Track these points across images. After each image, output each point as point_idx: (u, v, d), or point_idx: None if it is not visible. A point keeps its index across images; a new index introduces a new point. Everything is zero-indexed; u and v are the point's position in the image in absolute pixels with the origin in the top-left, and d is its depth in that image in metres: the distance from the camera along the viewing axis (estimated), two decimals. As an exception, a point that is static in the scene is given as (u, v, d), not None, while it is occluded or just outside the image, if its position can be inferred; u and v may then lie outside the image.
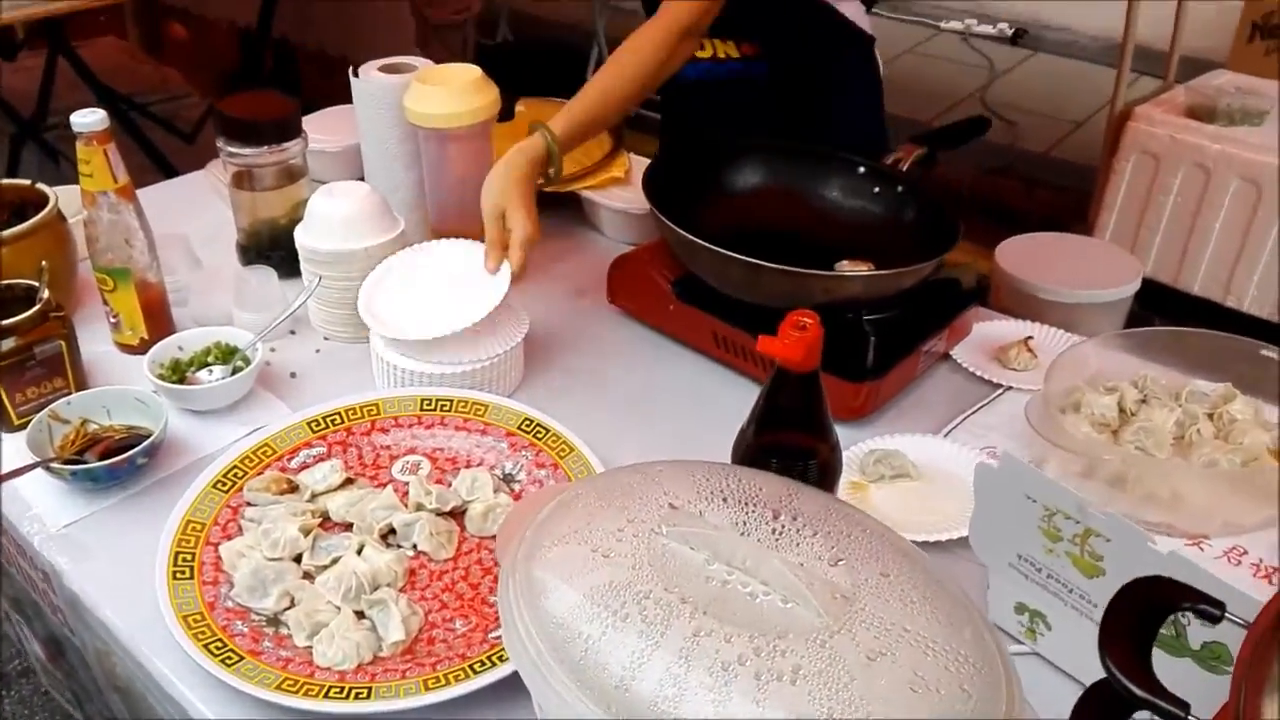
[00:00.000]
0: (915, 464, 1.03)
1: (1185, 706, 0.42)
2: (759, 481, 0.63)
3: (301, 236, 1.17)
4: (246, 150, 1.25)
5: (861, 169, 1.25)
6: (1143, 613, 0.46)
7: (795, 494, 0.63)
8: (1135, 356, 1.16)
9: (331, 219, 1.15)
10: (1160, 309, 2.92)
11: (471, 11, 2.76)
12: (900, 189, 1.23)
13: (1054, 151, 3.92)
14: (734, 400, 0.94)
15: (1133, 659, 0.44)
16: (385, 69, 1.28)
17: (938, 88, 4.52)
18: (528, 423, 1.01)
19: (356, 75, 1.26)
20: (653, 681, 0.52)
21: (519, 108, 1.54)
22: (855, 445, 1.06)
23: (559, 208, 1.47)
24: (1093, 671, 0.72)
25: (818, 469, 0.80)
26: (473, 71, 1.19)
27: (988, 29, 4.97)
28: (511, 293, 1.19)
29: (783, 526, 0.60)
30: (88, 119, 1.05)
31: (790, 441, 0.79)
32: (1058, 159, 3.83)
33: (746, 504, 0.61)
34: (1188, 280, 2.82)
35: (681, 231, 1.06)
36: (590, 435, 1.02)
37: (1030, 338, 1.22)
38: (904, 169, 1.24)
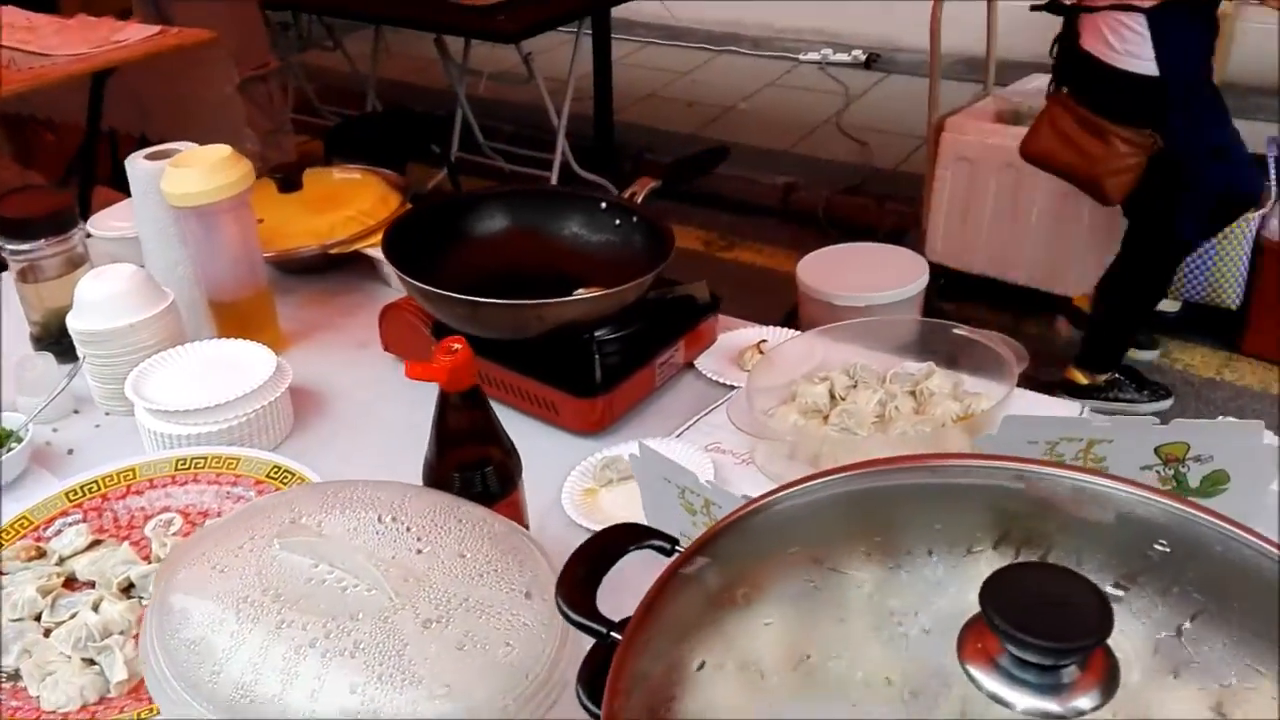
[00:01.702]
0: (641, 466, 1.13)
1: (611, 625, 0.51)
2: (378, 492, 0.72)
3: (71, 320, 1.24)
4: (25, 245, 1.32)
5: (603, 204, 1.36)
6: (597, 556, 0.56)
7: (406, 499, 0.72)
8: (854, 345, 1.27)
9: (97, 300, 1.23)
10: (997, 302, 3.10)
11: (270, 66, 2.85)
12: (635, 219, 1.33)
13: (902, 166, 4.13)
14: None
15: (578, 593, 0.53)
16: (154, 155, 1.37)
17: (798, 117, 4.73)
18: (276, 469, 1.09)
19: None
20: (238, 667, 0.60)
21: (307, 177, 1.62)
22: (593, 455, 1.15)
23: (348, 268, 1.56)
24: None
25: (495, 474, 0.89)
26: (222, 150, 1.28)
27: (843, 57, 5.22)
28: (288, 350, 1.27)
29: (385, 528, 0.69)
30: None
31: (466, 455, 0.88)
32: (906, 173, 4.03)
33: (361, 511, 0.70)
34: (1016, 273, 3.00)
35: (409, 279, 1.16)
36: (346, 474, 1.09)
37: (764, 341, 1.33)
38: (639, 201, 1.35)
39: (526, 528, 0.95)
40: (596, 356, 1.17)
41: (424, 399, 1.32)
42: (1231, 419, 0.90)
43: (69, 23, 2.74)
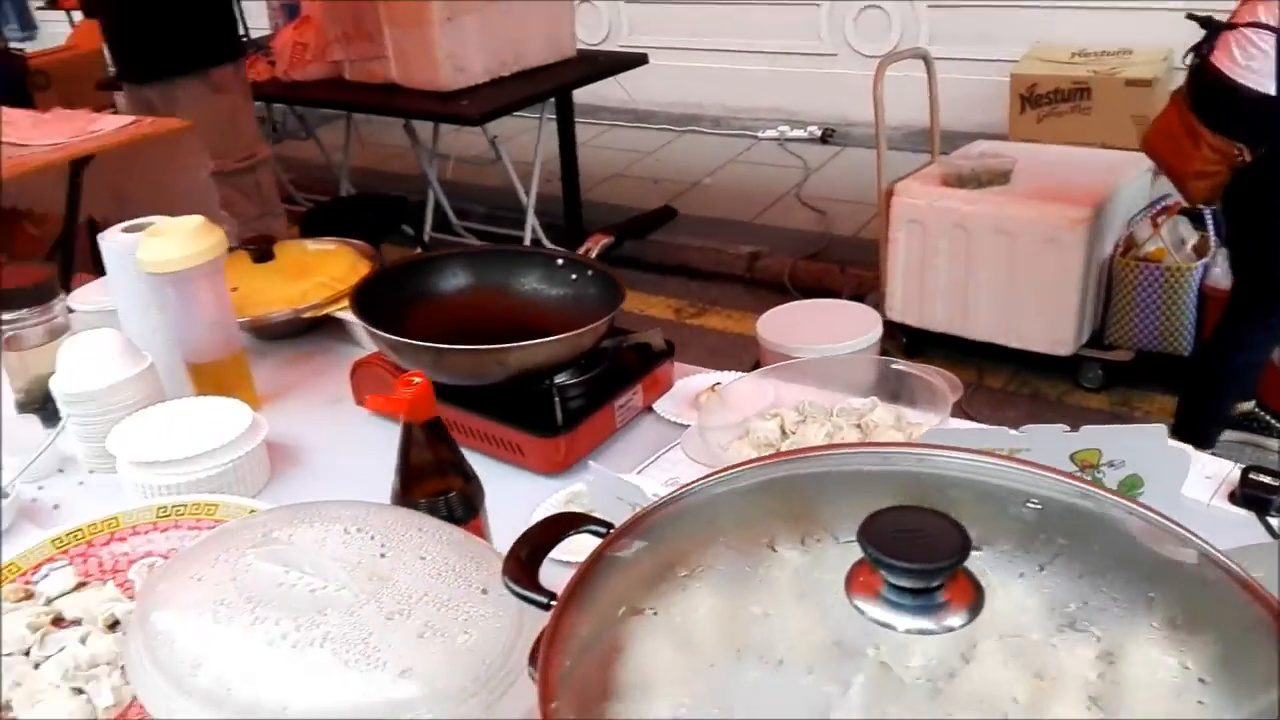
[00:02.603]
0: (601, 500, 1.19)
1: (553, 595, 0.57)
2: (344, 509, 0.79)
3: (54, 383, 1.30)
4: (9, 315, 1.39)
5: (559, 261, 1.45)
6: (538, 538, 0.62)
7: (370, 513, 0.78)
8: (802, 385, 1.35)
9: (77, 363, 1.29)
10: (965, 356, 3.20)
11: (257, 157, 2.99)
12: (590, 273, 1.42)
13: (861, 233, 4.28)
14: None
15: (522, 570, 0.59)
16: (129, 229, 1.44)
17: (760, 190, 4.90)
18: (255, 513, 1.14)
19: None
20: (216, 662, 0.65)
21: (278, 248, 1.70)
22: (557, 493, 1.22)
23: (320, 331, 1.64)
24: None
25: (459, 501, 0.95)
26: (194, 220, 1.36)
27: (799, 133, 5.43)
28: (264, 408, 1.34)
29: (351, 537, 0.75)
30: None
31: (430, 485, 0.94)
32: (864, 239, 4.17)
33: (327, 524, 0.76)
34: (973, 328, 3.10)
35: (377, 331, 1.23)
36: (319, 519, 1.15)
37: (718, 383, 1.40)
38: (593, 256, 1.43)
39: (490, 551, 1.00)
40: (557, 399, 1.24)
41: (393, 447, 1.39)
42: (1137, 425, 0.97)
43: (45, 116, 2.84)
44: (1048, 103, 4.46)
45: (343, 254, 1.76)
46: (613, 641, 0.55)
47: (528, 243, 4.18)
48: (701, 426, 1.21)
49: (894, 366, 1.30)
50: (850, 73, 5.27)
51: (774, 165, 5.22)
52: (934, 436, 1.17)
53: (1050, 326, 3.02)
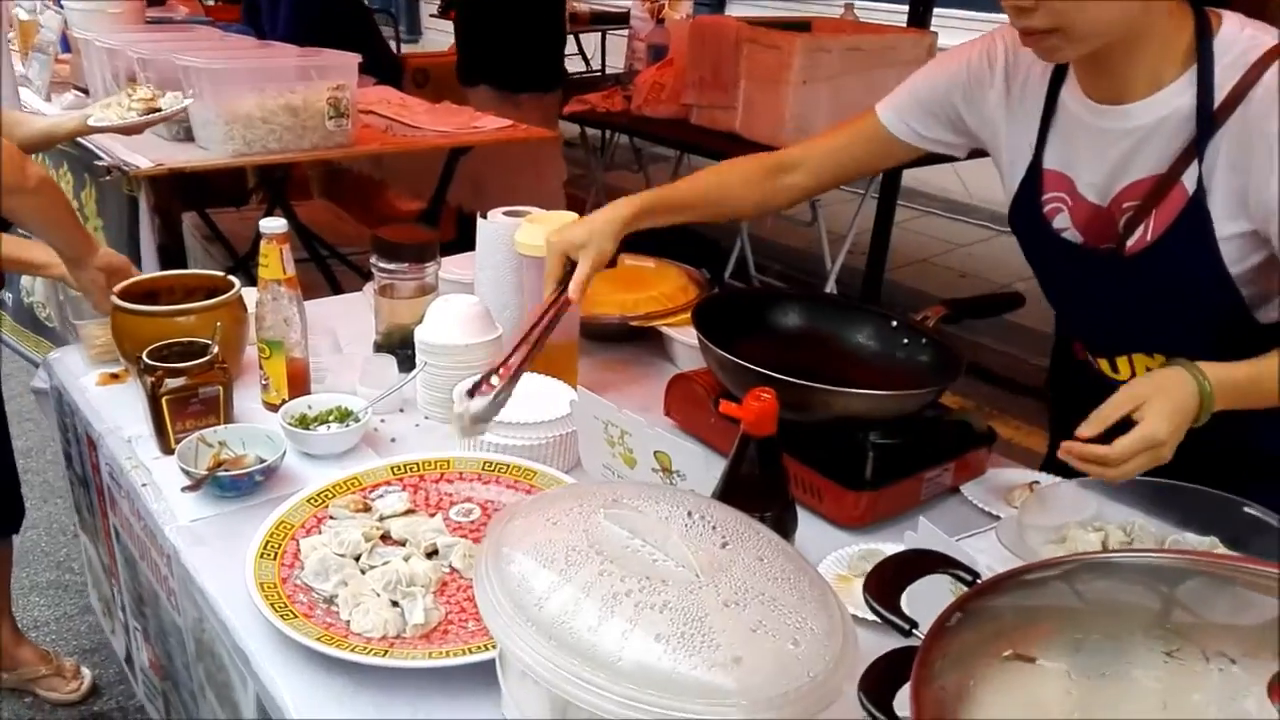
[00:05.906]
0: (896, 565, 1.15)
1: (913, 623, 0.56)
2: (687, 496, 0.81)
3: (418, 331, 1.44)
4: (391, 266, 1.56)
5: (894, 322, 1.44)
6: (907, 565, 0.61)
7: (712, 506, 0.80)
8: (1130, 506, 1.25)
9: (443, 319, 1.42)
10: None
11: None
12: (923, 340, 1.39)
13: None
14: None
15: (887, 592, 0.59)
16: (509, 214, 1.58)
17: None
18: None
19: (484, 218, 1.56)
20: (561, 600, 0.69)
21: (622, 260, 1.80)
22: (849, 546, 1.20)
23: (641, 342, 1.71)
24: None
25: (774, 523, 0.95)
26: (568, 216, 1.47)
27: (1132, 255, 5.09)
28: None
29: (694, 521, 0.77)
30: (272, 225, 1.37)
31: (750, 503, 0.95)
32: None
33: (673, 505, 0.79)
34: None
35: (711, 345, 1.27)
36: (619, 510, 1.20)
37: (1036, 482, 1.33)
38: (930, 324, 1.41)
39: (791, 582, 1.00)
40: (870, 454, 1.23)
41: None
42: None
43: (436, 107, 3.19)
44: None
45: (674, 275, 1.84)
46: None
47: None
48: (1020, 522, 1.15)
49: (1247, 510, 1.18)
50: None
51: (1095, 285, 4.91)
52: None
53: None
